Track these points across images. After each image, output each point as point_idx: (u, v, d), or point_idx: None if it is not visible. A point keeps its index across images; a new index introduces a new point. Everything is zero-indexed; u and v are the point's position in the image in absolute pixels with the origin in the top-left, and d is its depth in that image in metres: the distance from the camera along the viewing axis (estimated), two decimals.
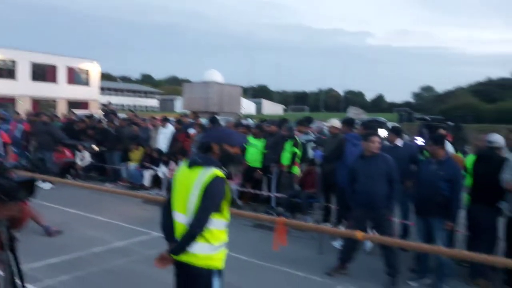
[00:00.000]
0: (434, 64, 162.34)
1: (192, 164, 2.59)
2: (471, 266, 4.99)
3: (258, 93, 79.87)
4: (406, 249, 5.58)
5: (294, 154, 7.22)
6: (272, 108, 65.27)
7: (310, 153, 8.15)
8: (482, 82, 65.39)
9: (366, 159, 4.87)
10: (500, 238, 4.89)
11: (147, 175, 9.57)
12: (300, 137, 7.83)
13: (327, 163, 6.54)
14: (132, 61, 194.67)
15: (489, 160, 4.87)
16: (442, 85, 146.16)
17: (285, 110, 68.66)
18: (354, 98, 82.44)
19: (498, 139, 4.99)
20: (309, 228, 5.46)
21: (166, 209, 2.66)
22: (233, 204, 7.59)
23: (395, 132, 6.36)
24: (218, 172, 2.53)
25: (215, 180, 2.49)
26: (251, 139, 8.09)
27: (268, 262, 5.26)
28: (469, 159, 5.18)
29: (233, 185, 7.99)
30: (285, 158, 7.29)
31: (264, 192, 7.88)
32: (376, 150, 4.83)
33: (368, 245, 5.76)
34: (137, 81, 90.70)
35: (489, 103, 50.82)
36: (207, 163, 2.56)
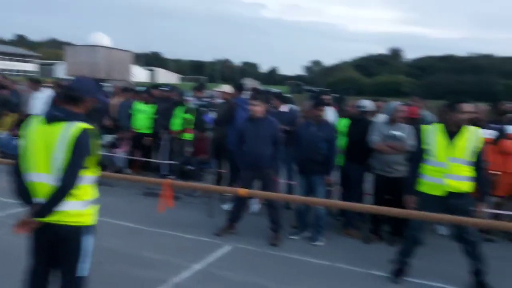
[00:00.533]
0: (322, 39, 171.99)
1: (51, 120, 2.39)
2: (344, 218, 5.58)
3: (151, 60, 76.53)
4: (289, 207, 6.03)
5: (185, 120, 7.13)
6: (167, 77, 63.23)
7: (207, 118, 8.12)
8: (363, 57, 71.34)
9: (253, 121, 5.05)
10: (368, 192, 5.51)
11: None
12: (192, 103, 7.74)
13: (219, 128, 6.61)
14: (3, 20, 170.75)
15: (360, 123, 5.39)
16: (329, 60, 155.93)
17: (181, 79, 67.14)
18: (249, 70, 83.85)
19: (367, 104, 5.55)
20: (195, 188, 5.55)
21: (18, 172, 2.44)
22: (121, 172, 7.35)
23: (280, 99, 6.73)
24: (85, 125, 2.38)
25: (84, 133, 2.35)
26: (140, 104, 7.78)
27: (157, 227, 5.23)
28: (342, 123, 5.66)
29: (121, 153, 7.67)
30: (176, 124, 7.17)
31: (155, 160, 7.71)
32: (259, 114, 5.02)
33: (255, 206, 6.05)
34: (9, 42, 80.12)
35: (369, 77, 55.97)
36: (70, 117, 2.39)
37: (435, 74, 51.21)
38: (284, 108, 6.56)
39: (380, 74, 57.17)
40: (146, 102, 7.78)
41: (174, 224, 5.34)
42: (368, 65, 65.23)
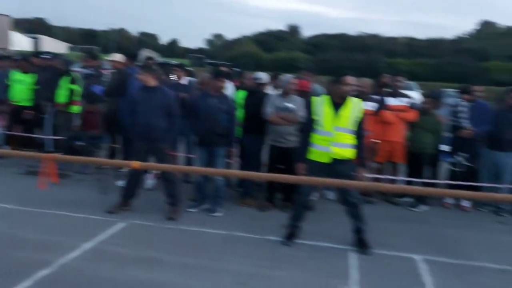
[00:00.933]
0: (224, 12, 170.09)
1: None
2: (242, 189, 5.71)
3: (35, 27, 68.65)
4: (189, 181, 5.98)
5: (72, 91, 6.55)
6: (53, 46, 57.14)
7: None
8: (263, 33, 72.49)
9: (146, 91, 4.83)
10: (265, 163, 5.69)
11: None
12: (80, 73, 7.13)
13: (111, 99, 6.22)
14: None
15: (256, 95, 5.48)
16: (231, 33, 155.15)
17: (71, 49, 61.46)
18: (148, 41, 79.88)
19: (263, 76, 5.66)
20: (81, 162, 5.22)
21: None
22: None
23: (181, 69, 6.57)
24: None
25: None
26: (18, 74, 6.95)
27: (42, 208, 4.82)
28: (240, 95, 5.71)
29: None
30: (61, 95, 6.55)
31: (38, 135, 7.00)
32: (151, 84, 4.82)
33: (150, 182, 5.87)
34: None
35: (268, 52, 57.26)
36: None
37: (328, 52, 54.25)
38: (183, 80, 6.43)
39: (279, 50, 58.80)
40: (25, 72, 6.98)
41: (62, 203, 4.97)
42: (267, 40, 66.46)
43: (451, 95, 11.17)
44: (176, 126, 4.95)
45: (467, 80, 6.44)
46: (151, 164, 4.54)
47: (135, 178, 4.92)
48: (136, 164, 3.65)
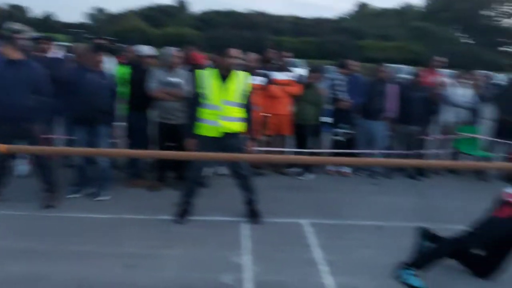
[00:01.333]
0: None
1: None
2: (129, 170, 5.43)
3: None
4: (71, 165, 5.48)
5: None
6: None
7: None
8: (150, 7, 69.12)
9: (8, 65, 4.18)
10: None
11: None
12: None
13: None
14: None
15: (139, 70, 5.18)
16: (114, 7, 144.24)
17: None
18: (17, 14, 70.70)
19: (145, 49, 5.36)
20: None
21: None
22: None
23: (49, 41, 5.91)
24: None
25: None
26: None
27: None
28: (122, 70, 5.35)
29: None
30: None
31: None
32: (14, 56, 4.21)
33: (21, 168, 5.25)
34: None
35: (156, 28, 54.96)
36: None
37: (217, 28, 53.98)
38: (54, 54, 5.79)
39: (168, 25, 56.80)
40: None
41: None
42: (155, 15, 63.66)
43: (331, 70, 11.95)
44: (47, 104, 4.41)
45: (346, 57, 6.91)
46: (21, 147, 4.00)
47: (1, 164, 4.32)
48: (1, 147, 3.20)
